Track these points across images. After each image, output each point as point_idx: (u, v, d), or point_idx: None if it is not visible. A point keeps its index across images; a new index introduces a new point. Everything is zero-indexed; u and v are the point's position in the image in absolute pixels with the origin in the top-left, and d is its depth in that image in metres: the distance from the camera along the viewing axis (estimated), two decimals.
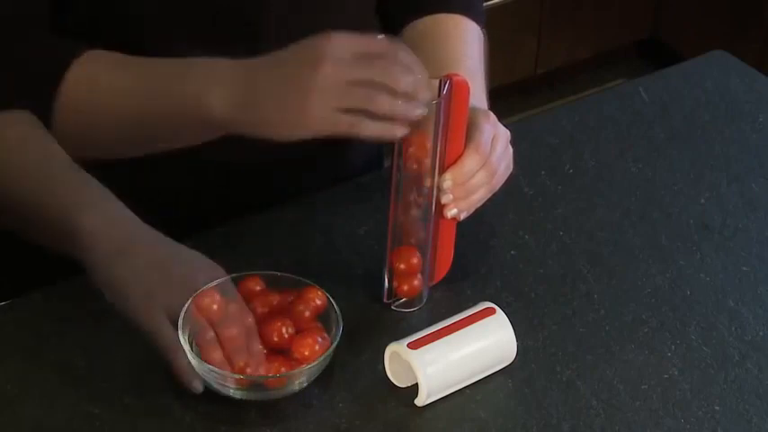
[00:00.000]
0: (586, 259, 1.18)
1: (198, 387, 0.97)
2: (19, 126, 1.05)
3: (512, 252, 1.18)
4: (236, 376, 0.97)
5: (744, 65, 1.48)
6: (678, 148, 1.33)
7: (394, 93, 0.95)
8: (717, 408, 1.03)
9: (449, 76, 1.02)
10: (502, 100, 2.93)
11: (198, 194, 1.18)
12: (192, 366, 0.97)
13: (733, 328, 1.10)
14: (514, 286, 1.14)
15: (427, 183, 1.04)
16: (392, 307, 1.09)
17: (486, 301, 1.05)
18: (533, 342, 1.08)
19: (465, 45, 1.20)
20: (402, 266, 1.07)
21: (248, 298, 1.04)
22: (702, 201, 1.26)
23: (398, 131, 0.97)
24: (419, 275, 1.08)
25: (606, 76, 3.06)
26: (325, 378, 1.02)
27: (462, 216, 1.06)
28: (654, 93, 1.42)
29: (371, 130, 0.96)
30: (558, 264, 1.17)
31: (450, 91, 1.02)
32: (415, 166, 1.03)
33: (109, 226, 1.01)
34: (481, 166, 1.05)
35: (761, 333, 1.10)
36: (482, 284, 1.14)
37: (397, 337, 1.02)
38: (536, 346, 1.07)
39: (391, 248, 1.07)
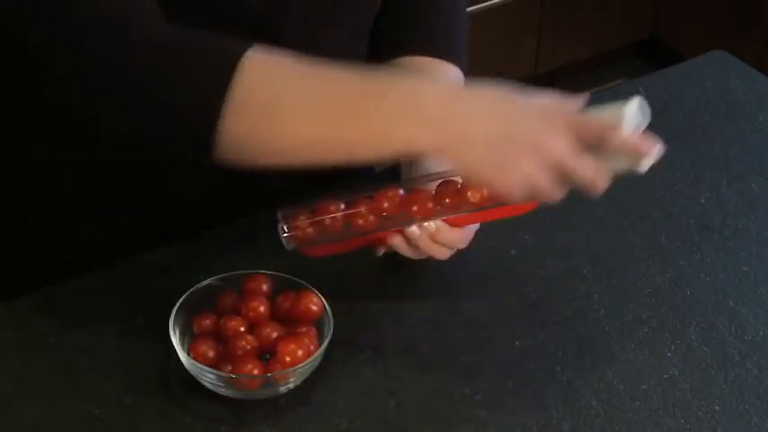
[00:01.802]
0: (586, 259, 1.18)
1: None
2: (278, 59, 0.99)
3: (512, 252, 1.18)
4: (226, 375, 0.98)
5: (744, 65, 1.48)
6: (678, 148, 1.33)
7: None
8: (717, 408, 1.03)
9: None
10: None
11: (199, 196, 1.18)
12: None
13: (733, 328, 1.10)
14: (514, 286, 1.14)
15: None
16: None
17: None
18: (533, 342, 1.08)
19: None
20: None
21: (251, 296, 1.05)
22: (702, 201, 1.26)
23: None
24: None
25: (606, 76, 3.06)
26: (325, 378, 1.02)
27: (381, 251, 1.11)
28: (654, 93, 1.42)
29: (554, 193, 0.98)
30: (558, 264, 1.17)
31: None
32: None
33: (432, 119, 0.96)
34: (455, 245, 1.10)
35: (761, 333, 1.10)
36: (482, 284, 1.14)
37: (398, 337, 1.02)
38: (536, 346, 1.07)
39: None
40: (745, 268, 1.17)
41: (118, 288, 1.11)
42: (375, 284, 1.12)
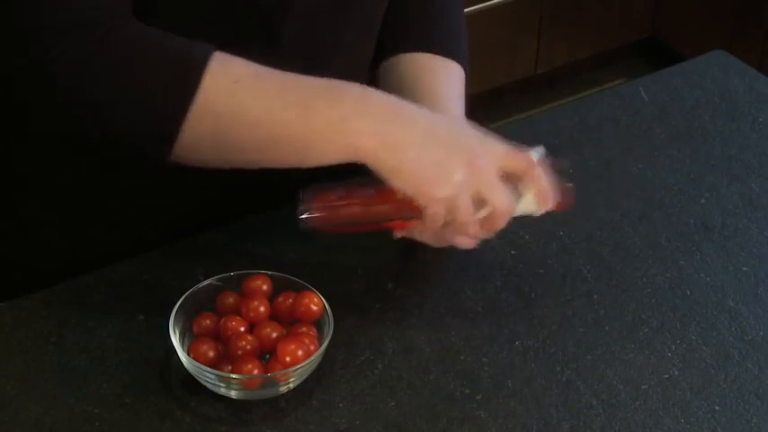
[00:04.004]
0: (586, 259, 1.18)
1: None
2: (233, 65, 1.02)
3: (512, 252, 1.18)
4: (226, 375, 0.98)
5: (744, 65, 1.48)
6: (678, 148, 1.33)
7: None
8: (717, 408, 1.03)
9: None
10: (502, 100, 2.95)
11: (200, 196, 1.18)
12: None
13: (733, 328, 1.10)
14: (514, 286, 1.14)
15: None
16: None
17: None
18: (533, 342, 1.08)
19: (452, 93, 1.22)
20: None
21: (251, 296, 1.05)
22: (702, 201, 1.26)
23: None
24: None
25: (606, 76, 3.07)
26: (325, 378, 1.02)
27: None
28: (654, 93, 1.42)
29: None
30: (558, 264, 1.17)
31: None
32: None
33: (378, 123, 1.02)
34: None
35: (761, 333, 1.10)
36: (482, 284, 1.14)
37: (398, 337, 1.02)
38: (536, 346, 1.07)
39: None
40: (745, 268, 1.17)
41: (118, 288, 1.11)
42: (375, 284, 1.12)
